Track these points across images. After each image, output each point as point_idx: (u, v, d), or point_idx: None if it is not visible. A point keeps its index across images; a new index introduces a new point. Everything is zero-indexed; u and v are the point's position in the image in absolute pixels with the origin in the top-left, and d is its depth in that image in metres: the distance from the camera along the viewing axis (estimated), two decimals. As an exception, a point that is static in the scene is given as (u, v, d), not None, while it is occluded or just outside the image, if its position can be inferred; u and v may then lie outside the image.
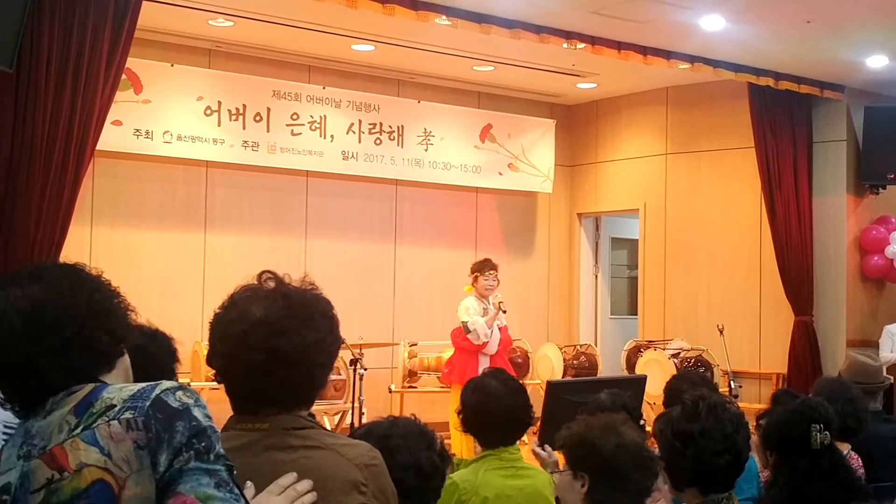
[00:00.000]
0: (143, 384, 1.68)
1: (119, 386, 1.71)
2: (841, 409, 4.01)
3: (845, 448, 4.18)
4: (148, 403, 1.64)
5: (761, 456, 3.58)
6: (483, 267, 8.28)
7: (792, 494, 3.27)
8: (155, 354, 2.63)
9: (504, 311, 8.18)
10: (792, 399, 3.66)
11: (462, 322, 8.13)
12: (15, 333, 1.71)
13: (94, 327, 1.76)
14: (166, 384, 1.68)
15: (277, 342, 1.94)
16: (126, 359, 1.85)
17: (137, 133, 8.70)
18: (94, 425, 1.63)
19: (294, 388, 1.99)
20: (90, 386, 1.71)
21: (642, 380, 6.63)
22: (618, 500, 2.58)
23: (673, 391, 4.55)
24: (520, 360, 9.96)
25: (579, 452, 2.66)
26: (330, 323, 2.04)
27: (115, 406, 1.65)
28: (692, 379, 4.80)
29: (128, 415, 1.63)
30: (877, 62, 8.98)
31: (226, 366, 2.01)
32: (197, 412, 1.65)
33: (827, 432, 3.30)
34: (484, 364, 8.01)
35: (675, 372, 9.35)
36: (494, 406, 3.49)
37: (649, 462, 2.63)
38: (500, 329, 8.24)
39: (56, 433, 1.66)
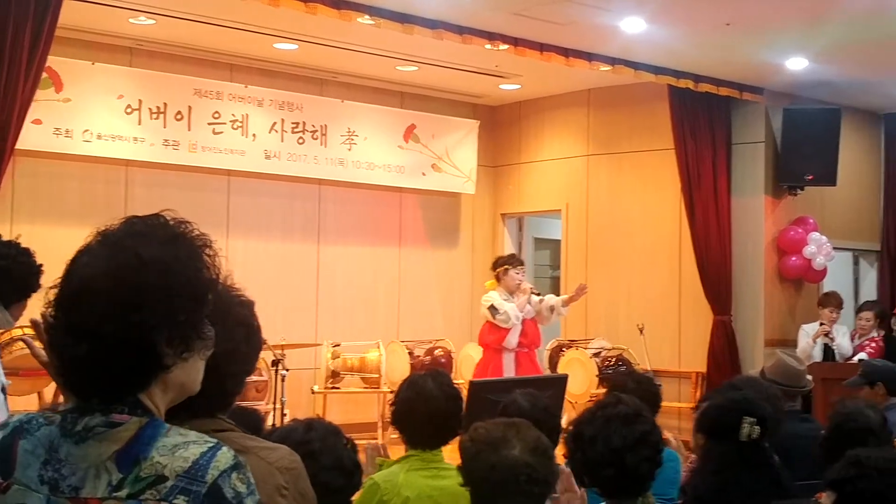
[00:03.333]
0: (198, 449, 1.49)
1: (171, 442, 1.50)
2: None
3: None
4: (204, 490, 1.46)
5: (693, 439, 3.62)
6: (513, 261, 8.31)
7: (719, 482, 3.31)
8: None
9: (537, 294, 8.10)
10: (735, 390, 3.70)
11: (488, 307, 8.04)
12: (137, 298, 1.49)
13: (192, 322, 1.55)
14: (223, 459, 1.49)
15: None
16: (177, 375, 1.59)
17: (58, 132, 8.55)
18: (142, 497, 1.46)
19: (205, 398, 1.90)
20: (135, 424, 1.50)
21: (563, 379, 6.70)
22: None
23: (618, 389, 4.59)
24: (443, 360, 9.97)
25: (463, 464, 2.60)
26: (246, 330, 2.00)
27: (167, 480, 1.46)
28: (638, 378, 4.83)
29: (181, 500, 1.45)
30: (796, 64, 9.13)
31: None
32: None
33: (758, 427, 3.34)
34: (509, 363, 7.96)
35: (596, 371, 9.47)
36: (423, 407, 3.46)
37: (526, 485, 2.46)
38: (530, 321, 8.14)
39: (93, 477, 1.47)
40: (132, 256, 1.53)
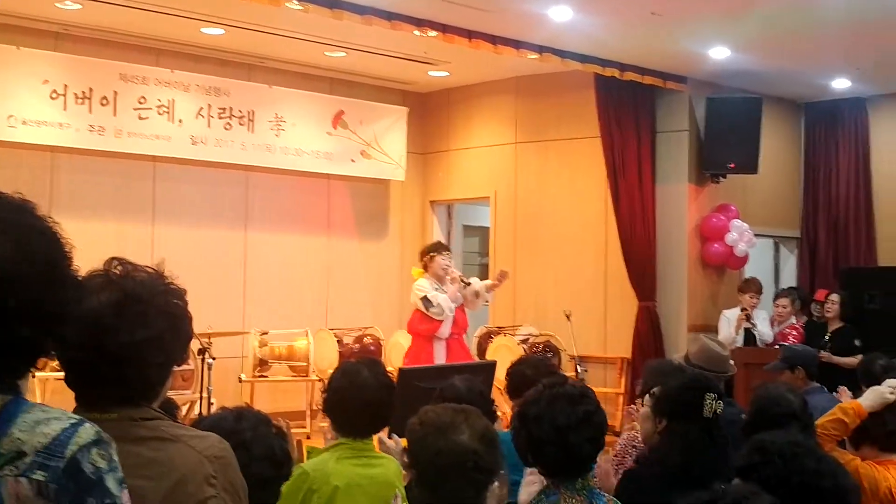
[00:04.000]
0: (59, 425, 1.49)
1: (32, 418, 1.50)
2: None
3: None
4: (62, 465, 1.46)
5: (648, 425, 3.66)
6: (439, 247, 8.27)
7: (686, 461, 3.36)
8: None
9: (467, 284, 8.09)
10: (681, 371, 3.77)
11: (420, 298, 7.98)
12: None
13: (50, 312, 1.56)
14: (84, 435, 1.50)
15: (103, 339, 1.88)
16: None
17: (-19, 118, 8.33)
18: (1, 473, 1.46)
19: (127, 387, 1.92)
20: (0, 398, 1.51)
21: (492, 365, 6.76)
22: (430, 501, 2.51)
23: (517, 376, 4.64)
24: (372, 348, 9.97)
25: (410, 447, 2.60)
26: (169, 320, 1.96)
27: (26, 456, 1.46)
28: (535, 364, 4.89)
29: (39, 475, 1.46)
30: (719, 54, 9.24)
31: (62, 361, 1.94)
32: (111, 482, 1.51)
33: (720, 402, 3.41)
34: (440, 350, 7.93)
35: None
36: (357, 396, 3.45)
37: (471, 472, 2.46)
38: (458, 309, 8.12)
39: None
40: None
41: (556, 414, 2.88)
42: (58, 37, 9.03)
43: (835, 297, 9.12)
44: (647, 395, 3.80)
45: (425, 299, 7.97)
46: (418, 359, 7.96)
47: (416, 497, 2.59)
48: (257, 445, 2.08)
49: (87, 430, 1.51)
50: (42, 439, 1.47)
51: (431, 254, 8.22)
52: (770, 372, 5.65)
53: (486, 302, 8.58)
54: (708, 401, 3.39)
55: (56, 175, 9.07)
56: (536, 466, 2.98)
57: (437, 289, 8.09)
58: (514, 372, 4.68)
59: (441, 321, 8.01)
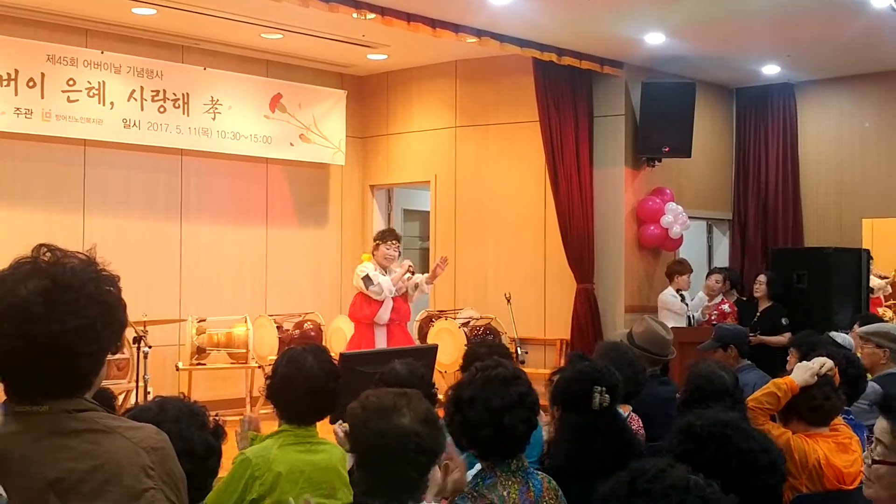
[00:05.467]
0: None
1: None
2: (621, 373, 4.21)
3: (626, 409, 4.40)
4: None
5: (550, 412, 3.71)
6: (385, 236, 8.20)
7: (572, 450, 3.40)
8: None
9: (412, 273, 8.07)
10: (583, 361, 3.79)
11: (362, 277, 7.94)
12: None
13: None
14: None
15: (32, 329, 1.82)
16: None
17: None
18: None
19: (59, 378, 1.87)
20: None
21: (433, 349, 6.75)
22: (377, 488, 2.52)
23: (471, 355, 4.65)
24: (313, 333, 9.90)
25: (351, 430, 2.61)
26: (101, 308, 1.90)
27: None
28: (488, 345, 4.91)
29: None
30: (654, 39, 9.36)
31: None
32: None
33: (608, 395, 3.43)
34: (381, 337, 7.91)
35: (465, 340, 9.57)
36: (302, 384, 3.43)
37: (413, 454, 2.49)
38: (401, 297, 8.11)
39: None
40: None
41: (489, 396, 2.91)
42: (-22, 16, 8.74)
43: (762, 277, 9.43)
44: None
45: (367, 278, 7.96)
46: (360, 346, 7.97)
47: (358, 480, 2.59)
48: (175, 440, 2.04)
49: None
50: None
51: (377, 241, 8.23)
52: (703, 351, 5.79)
53: (424, 292, 8.54)
54: (595, 394, 3.41)
55: (-23, 160, 8.78)
56: (471, 449, 2.98)
57: (380, 273, 8.08)
58: (470, 352, 4.71)
59: (380, 303, 7.98)
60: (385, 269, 8.13)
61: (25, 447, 1.82)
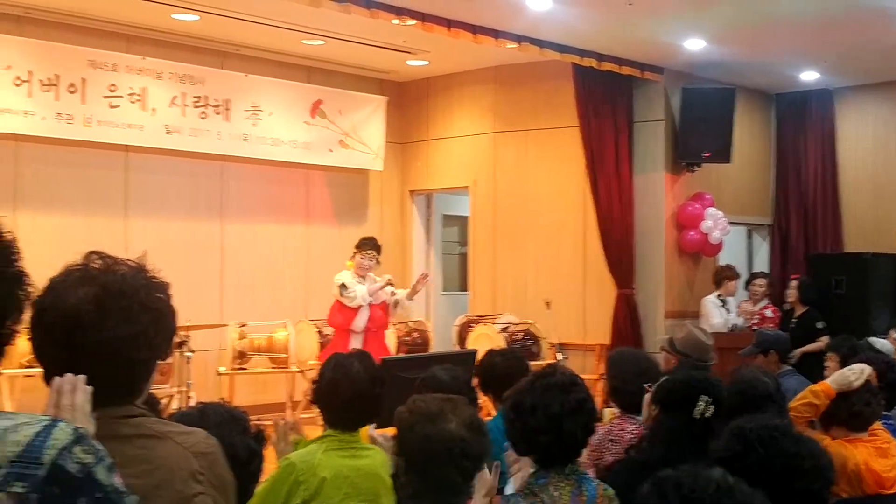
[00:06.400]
0: (30, 429, 1.39)
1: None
2: (630, 384, 4.24)
3: (612, 415, 4.43)
4: (43, 474, 1.36)
5: (646, 409, 3.72)
6: (363, 244, 8.18)
7: (666, 453, 3.39)
8: None
9: (391, 285, 8.10)
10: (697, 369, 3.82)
11: (339, 285, 7.96)
12: None
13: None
14: (60, 436, 1.40)
15: (83, 337, 1.83)
16: None
17: (-61, 105, 8.11)
18: None
19: (109, 385, 1.86)
20: None
21: (472, 354, 6.75)
22: (423, 491, 2.55)
23: (487, 364, 4.67)
24: (419, 340, 9.94)
25: (399, 434, 2.65)
26: (152, 315, 1.91)
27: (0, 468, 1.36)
28: (503, 353, 4.92)
29: (18, 488, 1.35)
30: (694, 45, 9.36)
31: (40, 357, 1.89)
32: (101, 474, 1.43)
33: (712, 407, 3.43)
34: (357, 343, 7.93)
35: (504, 346, 9.55)
36: (348, 388, 3.45)
37: (459, 459, 2.54)
38: (379, 305, 8.12)
39: None
40: None
41: (549, 403, 2.92)
42: (20, 20, 8.78)
43: (793, 282, 9.44)
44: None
45: (342, 285, 7.95)
46: (335, 348, 7.86)
47: (404, 484, 2.62)
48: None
49: (63, 431, 1.42)
50: (14, 448, 1.38)
51: (356, 250, 8.18)
52: (744, 356, 5.79)
53: (404, 308, 8.53)
54: (700, 402, 3.40)
55: (21, 165, 8.86)
56: (530, 455, 3.00)
57: (358, 282, 8.05)
58: (485, 362, 4.72)
59: (355, 311, 7.96)
60: (362, 278, 8.08)
61: None
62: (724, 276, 9.79)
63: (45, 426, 1.41)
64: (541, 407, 2.93)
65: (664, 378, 3.73)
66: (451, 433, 2.55)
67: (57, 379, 1.71)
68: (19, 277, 1.54)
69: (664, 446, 3.43)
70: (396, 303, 8.29)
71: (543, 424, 2.90)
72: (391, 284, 8.16)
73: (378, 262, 8.19)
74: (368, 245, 8.13)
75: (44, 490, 1.36)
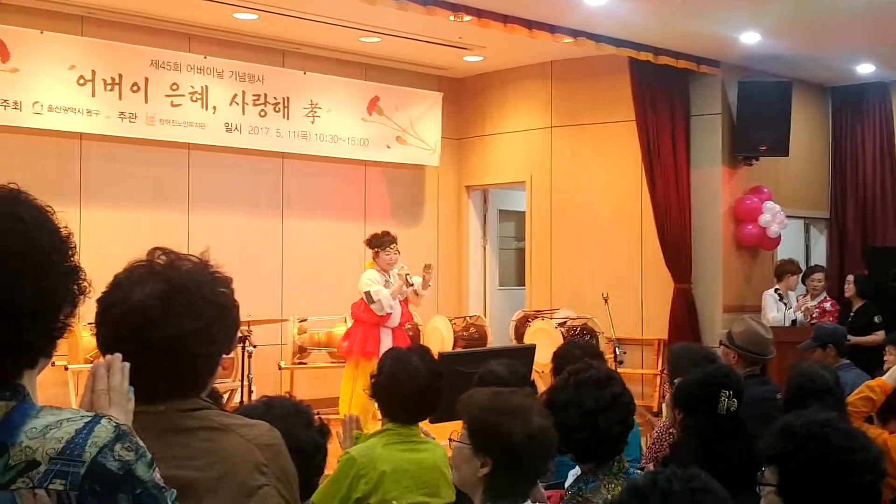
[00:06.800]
0: (72, 426, 1.39)
1: (41, 423, 1.40)
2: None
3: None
4: (83, 471, 1.36)
5: (671, 414, 3.70)
6: (383, 242, 8.26)
7: (701, 457, 3.38)
8: None
9: (410, 285, 8.18)
10: (709, 364, 3.80)
11: (364, 293, 8.06)
12: None
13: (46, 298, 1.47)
14: (101, 433, 1.40)
15: (150, 333, 1.86)
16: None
17: (5, 104, 8.27)
18: (14, 487, 1.35)
19: (175, 379, 1.90)
20: (2, 406, 1.42)
21: (531, 349, 6.78)
22: (515, 485, 2.56)
23: (562, 359, 4.66)
24: (410, 333, 9.98)
25: (485, 435, 2.59)
26: (216, 309, 1.93)
27: (40, 465, 1.36)
28: (581, 345, 4.92)
29: (58, 484, 1.36)
30: (750, 38, 9.29)
31: (105, 353, 1.90)
32: (141, 470, 1.43)
33: (735, 400, 3.41)
34: (386, 337, 8.04)
35: (561, 341, 9.54)
36: (409, 383, 3.48)
37: (551, 449, 2.58)
38: (400, 303, 8.24)
39: None
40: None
41: (583, 399, 2.91)
42: (84, 21, 8.91)
43: (850, 276, 9.36)
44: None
45: (367, 295, 8.02)
46: (365, 343, 8.09)
47: (491, 483, 2.56)
48: (283, 437, 2.09)
49: (105, 428, 1.42)
50: (55, 445, 1.38)
51: (376, 249, 8.23)
52: (802, 351, 5.76)
53: (422, 296, 8.56)
54: (722, 398, 3.38)
55: (85, 163, 9.00)
56: (568, 453, 2.99)
57: (383, 281, 8.15)
58: (562, 353, 4.71)
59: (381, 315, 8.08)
60: (389, 273, 8.19)
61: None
62: (785, 270, 9.71)
63: (86, 423, 1.41)
64: (574, 403, 2.91)
65: (680, 380, 3.71)
66: (541, 427, 2.55)
67: (94, 363, 1.69)
68: (74, 272, 1.54)
69: (699, 450, 3.40)
70: (416, 293, 8.37)
71: (578, 421, 2.88)
72: (408, 276, 8.21)
73: (399, 254, 8.31)
74: (388, 240, 8.24)
75: (83, 487, 1.36)
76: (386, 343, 8.00)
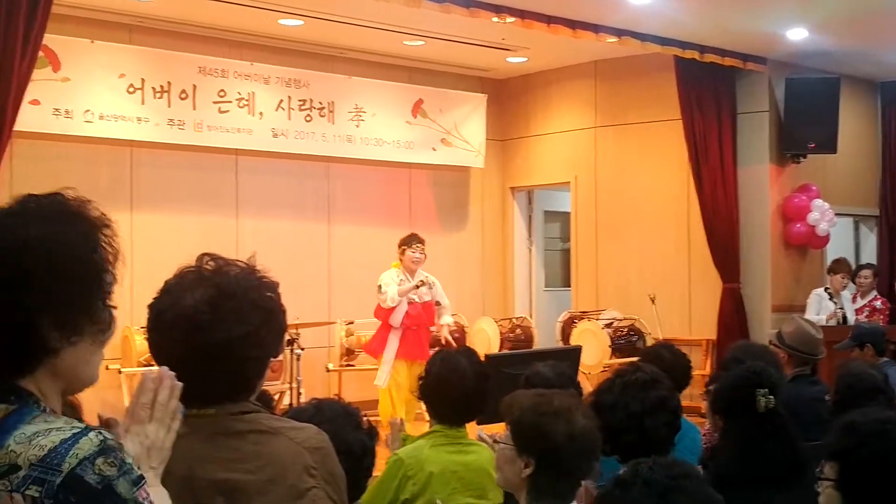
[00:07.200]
0: (59, 436, 1.40)
1: (31, 429, 1.41)
2: None
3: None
4: (59, 480, 1.36)
5: (711, 420, 3.68)
6: (410, 241, 8.46)
7: (742, 458, 3.36)
8: None
9: (418, 287, 8.33)
10: (739, 364, 3.77)
11: (377, 285, 8.32)
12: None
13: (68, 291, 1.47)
14: (85, 446, 1.39)
15: (200, 338, 1.89)
16: (68, 361, 1.51)
17: (57, 112, 8.39)
18: None
19: (224, 383, 1.93)
20: (2, 409, 1.44)
21: (577, 350, 6.77)
22: (557, 485, 2.57)
23: (653, 358, 4.62)
24: (457, 335, 10.00)
25: (528, 436, 2.61)
26: (264, 314, 1.96)
27: (20, 469, 1.37)
28: (673, 349, 4.83)
29: (34, 491, 1.36)
30: (796, 35, 9.19)
31: (157, 357, 1.97)
32: (122, 487, 1.39)
33: (772, 396, 3.39)
34: (394, 338, 8.26)
35: (609, 342, 9.53)
36: (456, 385, 3.50)
37: (594, 450, 2.58)
38: (421, 304, 8.38)
39: None
40: (10, 237, 1.47)
41: (629, 401, 2.91)
42: (132, 30, 9.03)
43: None
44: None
45: (379, 286, 8.30)
46: (372, 343, 8.52)
47: (534, 484, 2.59)
48: (332, 440, 2.11)
49: (90, 440, 1.40)
50: (38, 451, 1.38)
51: (402, 247, 8.46)
52: (840, 350, 5.72)
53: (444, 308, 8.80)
54: (759, 397, 3.35)
55: (136, 170, 9.13)
56: (613, 455, 2.99)
57: (402, 280, 8.35)
58: (653, 354, 4.68)
59: (389, 310, 8.26)
60: (412, 273, 8.40)
61: (193, 449, 1.87)
62: (830, 268, 9.60)
63: (74, 434, 1.41)
64: (621, 405, 2.92)
65: (714, 386, 3.68)
66: (585, 427, 2.55)
67: (144, 374, 1.69)
68: (97, 281, 1.53)
69: (743, 452, 3.36)
70: (438, 303, 8.59)
71: (625, 423, 2.90)
72: (424, 285, 8.35)
73: (425, 256, 8.51)
74: (415, 240, 8.46)
75: (58, 497, 1.36)
76: (392, 343, 8.27)
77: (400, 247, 8.48)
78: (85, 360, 1.52)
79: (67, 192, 1.55)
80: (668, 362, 4.28)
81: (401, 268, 8.42)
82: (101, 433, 1.43)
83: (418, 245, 8.41)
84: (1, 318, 1.44)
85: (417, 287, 8.31)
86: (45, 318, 1.45)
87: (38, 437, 1.40)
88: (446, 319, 8.81)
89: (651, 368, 3.18)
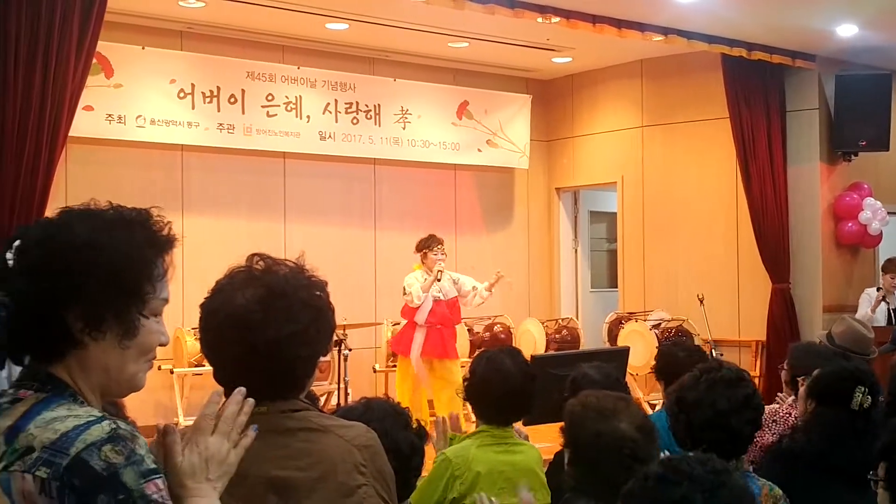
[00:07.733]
0: (73, 422, 1.45)
1: (52, 415, 1.47)
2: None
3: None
4: (65, 463, 1.41)
5: (802, 404, 3.70)
6: (430, 243, 8.57)
7: (827, 446, 3.36)
8: None
9: (438, 279, 8.41)
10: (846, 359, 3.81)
11: (403, 286, 8.47)
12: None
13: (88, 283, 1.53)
14: (94, 432, 1.44)
15: (252, 337, 1.92)
16: (95, 356, 1.56)
17: (110, 118, 8.57)
18: (12, 469, 1.44)
19: (276, 381, 1.96)
20: (31, 399, 1.50)
21: (625, 351, 6.75)
22: (589, 485, 2.57)
23: (668, 358, 4.63)
24: (503, 336, 10.01)
25: (566, 427, 2.66)
26: (313, 313, 1.99)
27: (34, 451, 1.43)
28: (686, 347, 4.86)
29: (43, 472, 1.42)
30: (846, 31, 9.06)
31: (209, 356, 2.01)
32: (128, 476, 1.43)
33: (870, 397, 3.39)
34: (419, 337, 8.38)
35: (656, 343, 9.46)
36: (501, 385, 3.50)
37: (628, 460, 2.50)
38: (446, 303, 8.47)
39: None
40: (68, 235, 1.54)
41: (716, 398, 2.92)
42: (182, 36, 9.18)
43: None
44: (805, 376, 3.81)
45: (404, 288, 8.46)
46: (399, 342, 8.61)
47: (569, 475, 2.64)
48: (382, 438, 2.12)
49: (100, 428, 1.45)
50: (51, 435, 1.44)
51: (424, 251, 8.54)
52: (882, 354, 5.66)
53: (483, 297, 8.81)
54: (857, 393, 3.35)
55: (187, 173, 9.27)
56: (695, 451, 2.98)
57: (423, 280, 8.47)
58: (666, 352, 4.68)
59: (415, 308, 8.40)
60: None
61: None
62: (885, 268, 9.46)
63: (88, 421, 1.45)
64: (707, 403, 2.91)
65: (817, 371, 3.69)
66: (622, 432, 2.53)
67: (214, 390, 1.75)
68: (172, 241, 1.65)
69: (826, 440, 3.39)
70: (474, 288, 8.68)
71: (710, 421, 2.89)
72: (441, 273, 8.46)
73: (446, 256, 8.67)
74: (435, 241, 8.56)
75: (63, 479, 1.40)
76: (417, 341, 8.40)
77: (421, 250, 8.58)
78: (117, 364, 1.57)
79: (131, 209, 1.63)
80: (683, 361, 4.29)
81: (423, 269, 8.54)
82: (115, 422, 1.47)
83: (439, 247, 8.53)
84: (33, 303, 1.50)
85: (437, 280, 8.41)
86: (71, 308, 1.51)
87: (55, 422, 1.45)
88: (479, 287, 8.78)
89: (734, 366, 3.20)
